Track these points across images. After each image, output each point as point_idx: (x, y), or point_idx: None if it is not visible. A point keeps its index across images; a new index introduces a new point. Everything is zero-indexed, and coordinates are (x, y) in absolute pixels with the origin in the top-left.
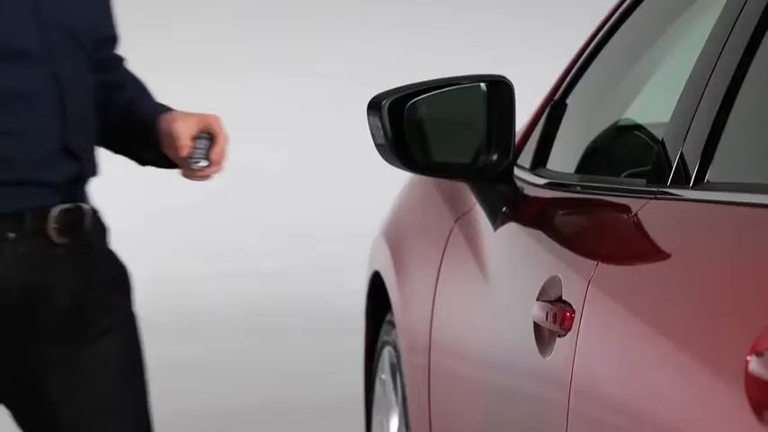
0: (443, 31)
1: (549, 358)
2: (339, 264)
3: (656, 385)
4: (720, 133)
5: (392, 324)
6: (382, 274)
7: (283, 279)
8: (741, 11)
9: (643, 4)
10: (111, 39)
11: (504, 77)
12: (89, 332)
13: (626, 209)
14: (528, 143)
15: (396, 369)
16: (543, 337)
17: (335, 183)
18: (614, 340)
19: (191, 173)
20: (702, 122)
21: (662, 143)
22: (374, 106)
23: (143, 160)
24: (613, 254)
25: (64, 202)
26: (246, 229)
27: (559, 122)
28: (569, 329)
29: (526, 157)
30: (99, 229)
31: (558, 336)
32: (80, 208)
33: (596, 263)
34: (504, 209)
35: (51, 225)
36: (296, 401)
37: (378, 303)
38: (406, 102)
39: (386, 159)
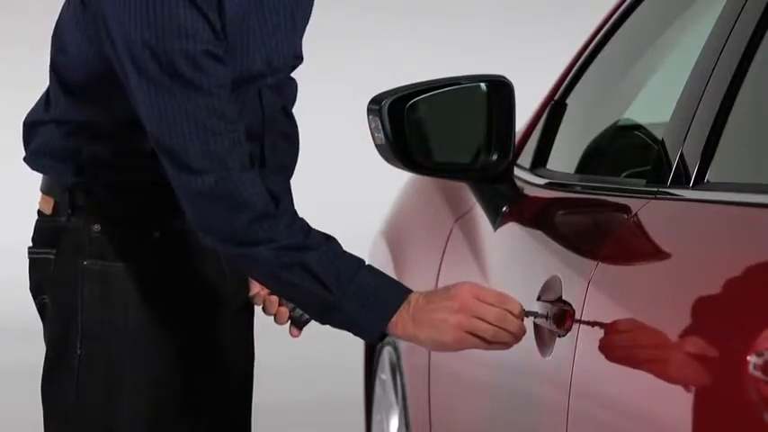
0: (443, 31)
1: (549, 358)
2: None
3: (655, 385)
4: (720, 133)
5: None
6: None
7: None
8: (741, 11)
9: (643, 4)
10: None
11: (505, 77)
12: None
13: (626, 209)
14: (528, 143)
15: (396, 369)
16: (543, 337)
17: (335, 183)
18: (614, 340)
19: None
20: (702, 122)
21: (662, 143)
22: (374, 106)
23: None
24: (613, 254)
25: None
26: None
27: (559, 122)
28: (569, 329)
29: (526, 157)
30: None
31: (558, 336)
32: None
33: (596, 263)
34: (504, 209)
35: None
36: (296, 401)
37: None
38: (406, 102)
39: (386, 159)
